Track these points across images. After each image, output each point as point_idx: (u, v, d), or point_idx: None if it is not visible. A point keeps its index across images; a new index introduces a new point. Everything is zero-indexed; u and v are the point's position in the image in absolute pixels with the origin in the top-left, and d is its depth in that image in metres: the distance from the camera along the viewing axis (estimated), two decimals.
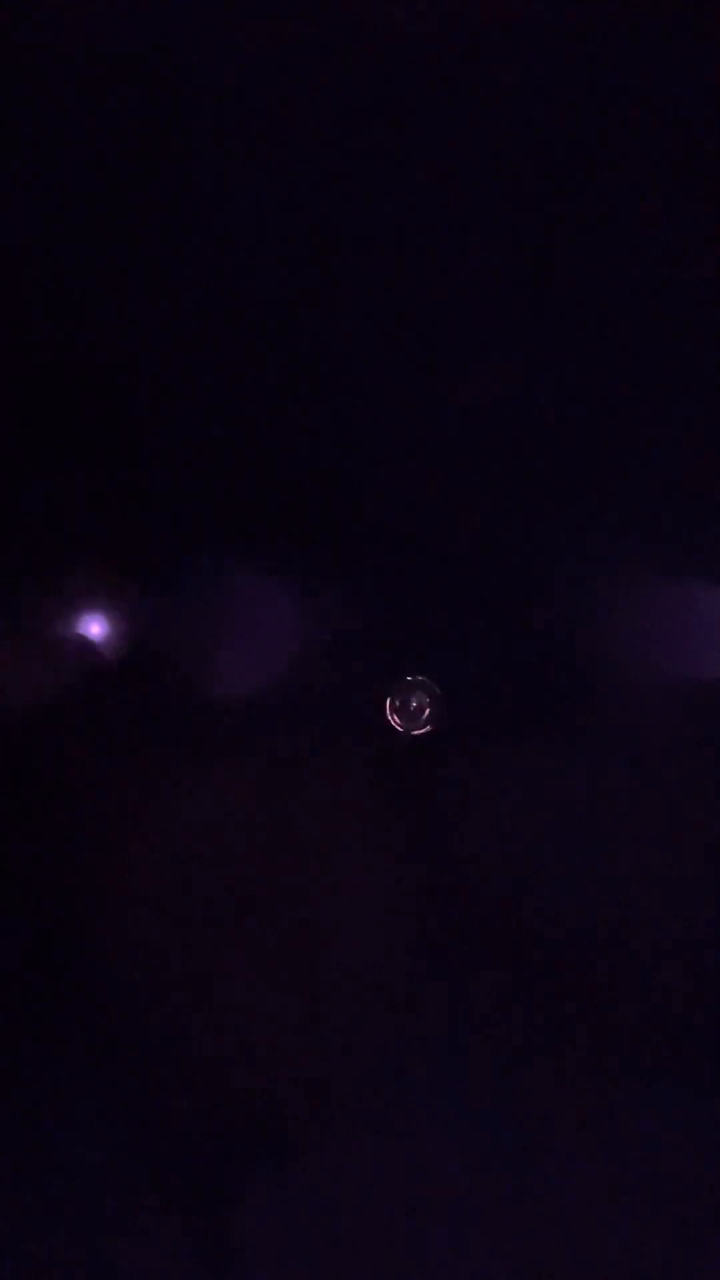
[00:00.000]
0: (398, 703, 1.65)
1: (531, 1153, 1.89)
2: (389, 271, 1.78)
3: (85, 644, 1.84)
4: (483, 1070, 1.88)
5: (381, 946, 1.82)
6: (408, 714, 1.65)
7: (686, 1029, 1.86)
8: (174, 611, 1.85)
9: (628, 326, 1.80)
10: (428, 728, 1.65)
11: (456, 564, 1.79)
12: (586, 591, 1.79)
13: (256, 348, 1.80)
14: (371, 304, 1.79)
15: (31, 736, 1.88)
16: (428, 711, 1.64)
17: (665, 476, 1.79)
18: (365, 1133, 1.87)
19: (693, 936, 1.81)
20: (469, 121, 1.73)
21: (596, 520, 1.76)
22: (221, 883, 1.84)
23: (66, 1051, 1.91)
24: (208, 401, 1.83)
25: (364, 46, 1.72)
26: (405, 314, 1.80)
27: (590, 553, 1.78)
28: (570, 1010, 1.85)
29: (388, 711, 1.66)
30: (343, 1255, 1.89)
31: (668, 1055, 1.86)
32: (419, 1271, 1.87)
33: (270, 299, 1.81)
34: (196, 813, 1.85)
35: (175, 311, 1.83)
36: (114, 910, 1.86)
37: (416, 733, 1.65)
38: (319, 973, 1.83)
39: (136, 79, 1.78)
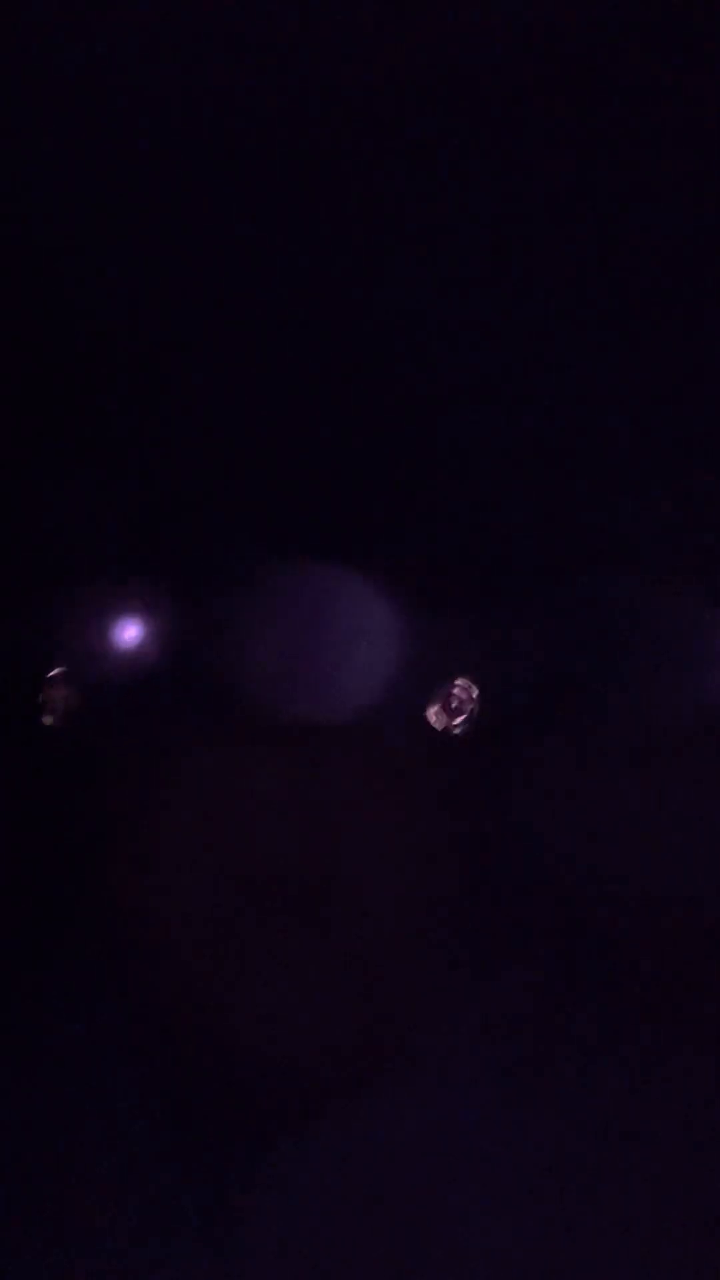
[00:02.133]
0: (437, 699, 1.66)
1: (558, 1140, 1.90)
2: (432, 264, 1.78)
3: (120, 646, 1.85)
4: (512, 1058, 1.89)
5: (410, 929, 1.84)
6: (447, 711, 1.66)
7: None
8: (209, 611, 1.87)
9: (674, 334, 1.81)
10: (466, 725, 1.66)
11: (499, 562, 1.80)
12: (628, 592, 1.80)
13: (292, 346, 1.80)
14: (415, 304, 1.80)
15: (70, 736, 1.91)
16: (467, 709, 1.65)
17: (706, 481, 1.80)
18: (386, 1110, 1.88)
19: None
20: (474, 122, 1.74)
21: (641, 521, 1.77)
22: (253, 867, 1.86)
23: (98, 1021, 1.93)
24: (240, 400, 1.84)
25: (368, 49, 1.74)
26: (450, 314, 1.81)
27: (636, 553, 1.79)
28: (602, 998, 1.86)
29: (427, 708, 1.67)
30: (354, 1234, 1.90)
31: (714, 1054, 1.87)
32: (431, 1252, 1.88)
33: (314, 298, 1.81)
34: (231, 801, 1.87)
35: (216, 309, 1.84)
36: (144, 893, 1.88)
37: (455, 730, 1.66)
38: (346, 956, 1.84)
39: (139, 87, 1.79)
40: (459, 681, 1.66)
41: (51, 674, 1.82)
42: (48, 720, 1.81)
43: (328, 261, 1.79)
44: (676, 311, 1.79)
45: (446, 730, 1.67)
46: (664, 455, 1.81)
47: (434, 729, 1.68)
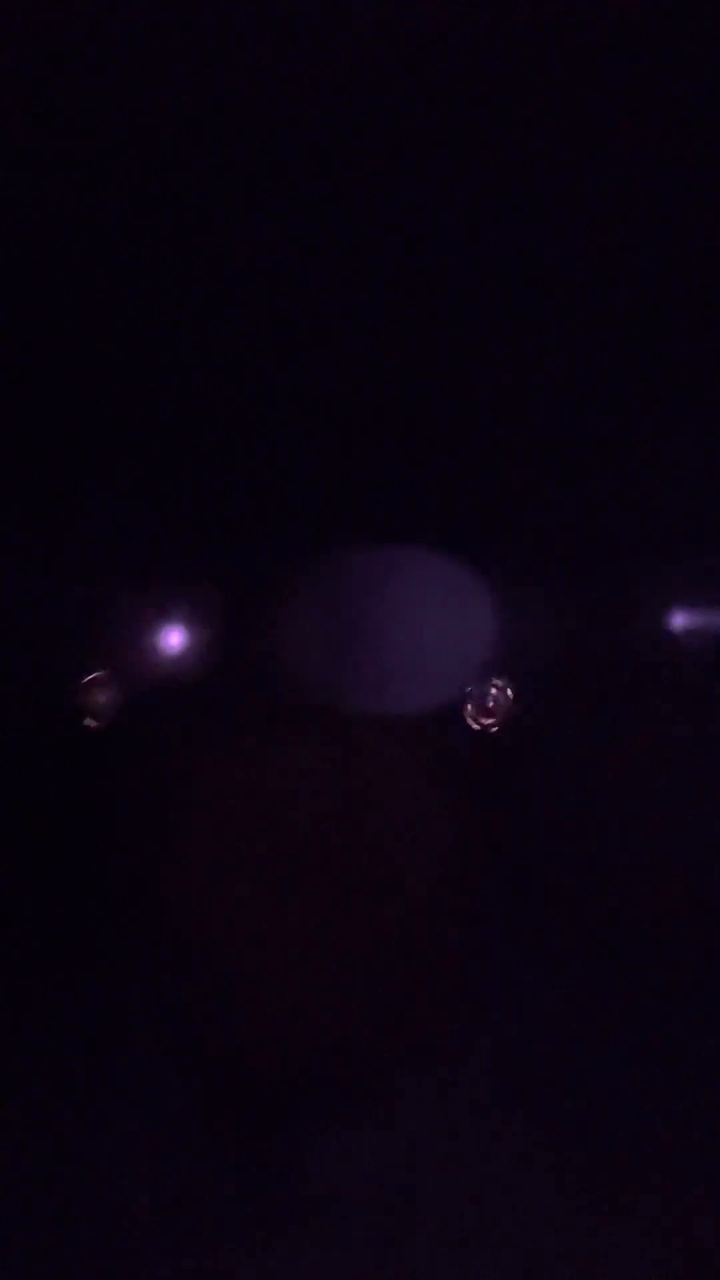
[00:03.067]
0: (472, 698, 1.69)
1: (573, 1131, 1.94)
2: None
3: (172, 644, 1.87)
4: (546, 1033, 1.92)
5: (445, 912, 1.86)
6: (482, 709, 1.69)
7: None
8: (256, 609, 1.88)
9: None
10: (500, 723, 1.69)
11: (531, 564, 1.81)
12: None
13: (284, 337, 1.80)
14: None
15: (128, 727, 1.93)
16: (501, 707, 1.68)
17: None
18: (411, 1105, 1.92)
19: None
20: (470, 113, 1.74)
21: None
22: (298, 852, 1.88)
23: (152, 1000, 1.95)
24: (279, 400, 1.84)
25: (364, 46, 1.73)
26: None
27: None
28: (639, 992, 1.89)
29: (464, 707, 1.70)
30: (366, 1228, 1.93)
31: None
32: (445, 1246, 1.92)
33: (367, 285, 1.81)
34: (280, 788, 1.89)
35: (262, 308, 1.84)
36: (193, 876, 1.90)
37: (490, 727, 1.69)
38: (389, 931, 1.87)
39: (138, 91, 1.78)
40: (494, 680, 1.69)
41: (92, 677, 1.84)
42: (90, 723, 1.84)
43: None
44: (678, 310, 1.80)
45: (483, 728, 1.70)
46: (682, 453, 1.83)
47: (471, 725, 1.70)
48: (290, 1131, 1.93)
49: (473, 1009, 1.92)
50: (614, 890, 1.86)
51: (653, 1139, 1.97)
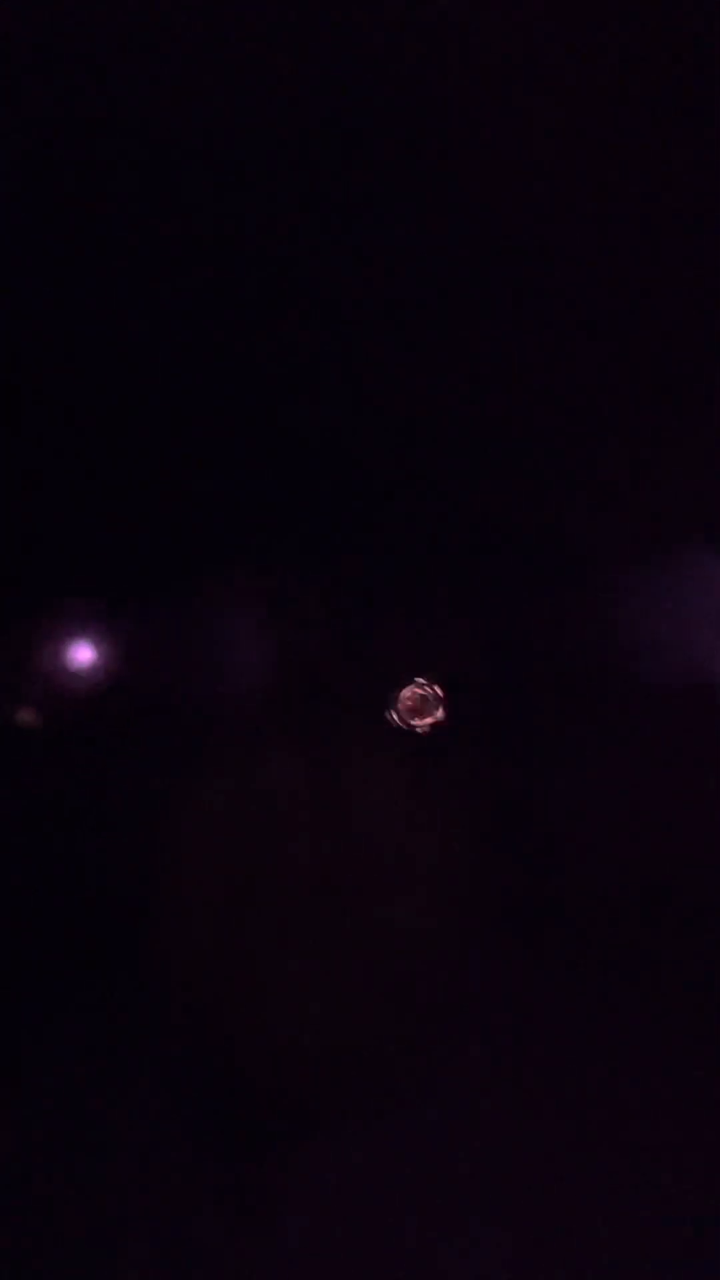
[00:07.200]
0: (399, 701, 1.66)
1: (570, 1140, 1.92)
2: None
3: (83, 665, 1.86)
4: (528, 1045, 1.92)
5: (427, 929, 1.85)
6: (410, 711, 1.66)
7: None
8: (171, 623, 1.87)
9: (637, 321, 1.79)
10: (431, 725, 1.66)
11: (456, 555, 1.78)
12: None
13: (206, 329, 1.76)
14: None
15: (56, 749, 1.93)
16: (430, 709, 1.65)
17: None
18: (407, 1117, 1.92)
19: None
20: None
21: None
22: (259, 864, 1.89)
23: (121, 1021, 1.98)
24: (193, 405, 1.82)
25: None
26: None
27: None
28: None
29: (391, 711, 1.67)
30: (379, 1220, 1.94)
31: None
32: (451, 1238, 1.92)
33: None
34: (232, 804, 1.89)
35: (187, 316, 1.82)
36: (165, 891, 1.91)
37: (421, 730, 1.66)
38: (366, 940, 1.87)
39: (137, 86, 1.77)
40: (416, 682, 1.66)
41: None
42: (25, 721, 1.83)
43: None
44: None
45: (411, 730, 1.67)
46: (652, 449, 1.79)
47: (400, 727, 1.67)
48: (284, 1145, 1.94)
49: (472, 1014, 1.92)
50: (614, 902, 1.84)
51: (656, 1139, 1.95)
